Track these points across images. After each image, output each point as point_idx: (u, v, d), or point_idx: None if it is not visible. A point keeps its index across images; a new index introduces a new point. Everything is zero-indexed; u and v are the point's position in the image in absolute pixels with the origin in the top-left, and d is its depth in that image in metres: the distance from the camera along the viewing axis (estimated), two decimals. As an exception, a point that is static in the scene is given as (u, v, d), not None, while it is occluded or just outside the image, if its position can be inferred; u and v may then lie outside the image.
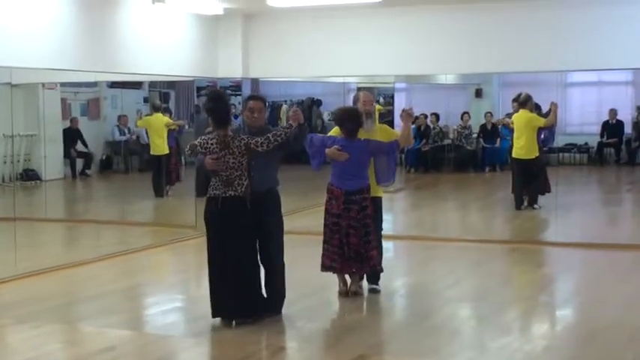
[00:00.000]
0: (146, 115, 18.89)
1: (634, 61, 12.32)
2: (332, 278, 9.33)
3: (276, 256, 8.59)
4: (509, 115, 17.04)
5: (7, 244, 11.22)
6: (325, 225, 9.33)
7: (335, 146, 9.02)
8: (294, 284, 8.86)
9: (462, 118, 24.00)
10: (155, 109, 18.16)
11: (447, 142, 23.88)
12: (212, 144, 8.13)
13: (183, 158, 19.01)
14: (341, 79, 18.69)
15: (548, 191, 16.17)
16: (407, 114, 9.31)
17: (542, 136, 16.18)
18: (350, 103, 25.78)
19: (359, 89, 27.78)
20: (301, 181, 14.78)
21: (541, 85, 23.52)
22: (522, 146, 15.70)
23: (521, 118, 15.75)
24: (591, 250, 12.28)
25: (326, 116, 25.42)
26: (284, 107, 25.08)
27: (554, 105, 15.20)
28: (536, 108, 16.27)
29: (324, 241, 9.31)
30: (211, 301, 8.21)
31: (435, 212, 17.25)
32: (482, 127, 23.71)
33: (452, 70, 15.49)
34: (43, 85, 17.39)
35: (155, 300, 9.98)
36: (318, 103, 25.46)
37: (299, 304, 8.94)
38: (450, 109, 24.28)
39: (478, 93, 25.06)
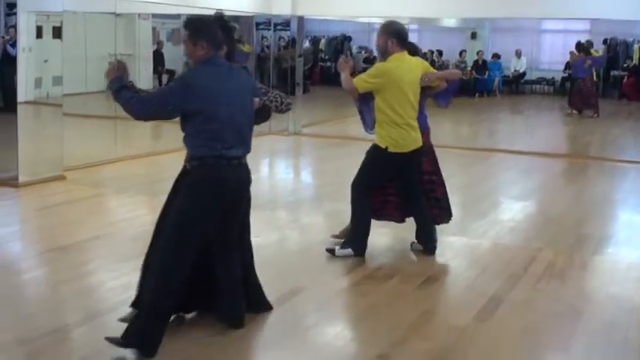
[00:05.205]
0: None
1: (590, 12, 12.34)
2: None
3: None
4: None
5: (110, 136, 11.40)
6: None
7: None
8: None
9: (460, 55, 23.85)
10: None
11: (447, 72, 23.73)
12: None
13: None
14: (367, 20, 18.56)
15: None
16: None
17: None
18: (373, 39, 25.51)
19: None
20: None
21: (521, 30, 23.38)
22: None
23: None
24: (545, 158, 12.35)
25: (354, 50, 25.24)
26: (322, 41, 24.94)
27: None
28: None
29: None
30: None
31: (435, 126, 17.17)
32: (475, 62, 23.58)
33: (454, 15, 15.53)
34: (139, 15, 17.42)
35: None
36: (349, 38, 25.30)
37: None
38: (451, 47, 24.12)
39: (473, 35, 24.88)
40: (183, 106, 4.20)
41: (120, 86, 4.33)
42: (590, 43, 19.07)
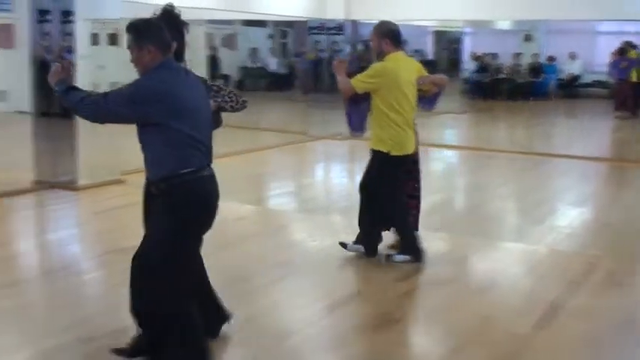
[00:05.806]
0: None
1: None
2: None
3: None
4: None
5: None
6: None
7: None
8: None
9: (514, 57, 23.65)
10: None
11: (502, 76, 23.52)
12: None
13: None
14: (421, 23, 18.47)
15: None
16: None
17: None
18: (429, 43, 25.46)
19: (435, 32, 27.28)
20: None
21: (576, 32, 23.05)
22: None
23: None
24: (600, 162, 12.14)
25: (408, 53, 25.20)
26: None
27: None
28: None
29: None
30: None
31: (490, 130, 17.08)
32: (530, 65, 23.34)
33: (509, 17, 15.44)
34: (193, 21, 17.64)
35: (274, 185, 10.20)
36: (404, 42, 25.23)
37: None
38: (505, 49, 23.93)
39: (527, 37, 24.65)
40: (145, 110, 3.74)
41: (67, 87, 3.98)
42: (629, 44, 18.78)
